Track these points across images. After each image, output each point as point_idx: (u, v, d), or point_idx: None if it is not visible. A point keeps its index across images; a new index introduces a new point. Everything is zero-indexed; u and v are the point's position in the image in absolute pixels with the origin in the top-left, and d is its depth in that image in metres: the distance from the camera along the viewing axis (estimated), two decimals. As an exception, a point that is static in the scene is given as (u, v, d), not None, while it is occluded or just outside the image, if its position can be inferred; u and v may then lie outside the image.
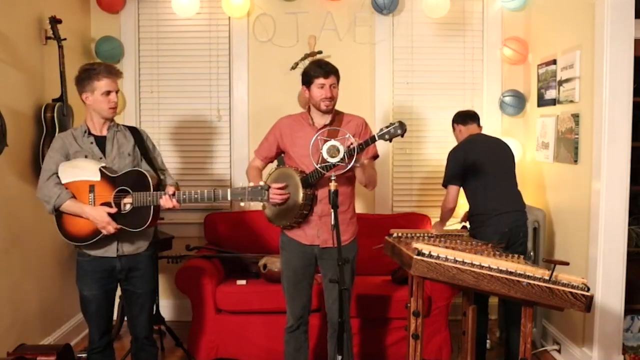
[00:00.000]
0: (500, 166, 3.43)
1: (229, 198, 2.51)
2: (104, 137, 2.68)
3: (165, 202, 2.53)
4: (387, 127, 2.54)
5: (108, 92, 2.59)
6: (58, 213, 2.58)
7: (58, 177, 2.59)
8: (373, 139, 2.55)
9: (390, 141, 2.58)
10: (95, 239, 2.56)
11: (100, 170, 2.56)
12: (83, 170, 2.58)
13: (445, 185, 3.46)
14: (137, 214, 2.56)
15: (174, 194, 2.55)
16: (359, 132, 2.84)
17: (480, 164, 3.37)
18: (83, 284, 2.66)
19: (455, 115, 3.68)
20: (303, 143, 2.82)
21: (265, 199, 2.49)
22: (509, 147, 3.55)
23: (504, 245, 2.99)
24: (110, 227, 2.52)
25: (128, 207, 2.57)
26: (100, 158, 2.64)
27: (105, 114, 2.63)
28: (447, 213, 3.48)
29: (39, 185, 2.60)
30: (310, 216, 2.82)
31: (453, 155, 3.47)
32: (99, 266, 2.64)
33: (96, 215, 2.52)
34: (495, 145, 3.53)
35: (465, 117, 3.62)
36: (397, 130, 2.51)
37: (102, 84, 2.58)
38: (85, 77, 2.59)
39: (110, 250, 2.64)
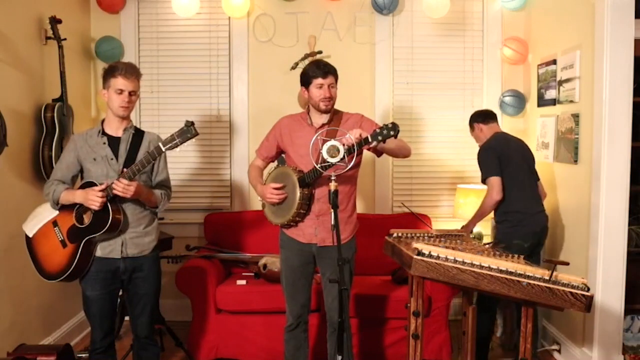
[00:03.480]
0: (528, 166, 3.43)
1: (163, 150, 2.49)
2: (119, 138, 2.69)
3: (117, 186, 2.51)
4: (380, 128, 2.55)
5: (121, 91, 2.61)
6: (31, 248, 2.72)
7: (60, 180, 2.69)
8: (366, 140, 2.56)
9: (384, 142, 2.58)
10: (64, 275, 2.62)
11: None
12: (43, 214, 2.74)
13: (485, 179, 3.36)
14: (98, 218, 2.58)
15: (119, 176, 2.56)
16: (359, 127, 2.84)
17: (513, 161, 3.36)
18: (86, 284, 2.67)
19: (474, 115, 3.64)
20: (302, 143, 2.83)
21: (194, 132, 2.45)
22: (529, 148, 3.56)
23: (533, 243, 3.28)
24: (95, 199, 2.52)
25: (87, 220, 2.60)
26: (112, 159, 2.65)
27: (116, 111, 2.66)
28: (492, 207, 3.36)
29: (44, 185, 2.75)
30: (308, 215, 2.83)
31: (486, 150, 3.41)
32: (102, 267, 2.65)
33: (82, 195, 2.57)
34: (521, 144, 3.54)
35: (486, 116, 3.59)
36: (390, 131, 2.52)
37: (116, 82, 2.62)
38: (107, 73, 2.66)
39: (115, 252, 2.65)
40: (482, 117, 3.59)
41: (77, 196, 2.60)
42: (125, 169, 2.57)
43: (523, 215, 3.32)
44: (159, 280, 2.85)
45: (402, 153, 2.90)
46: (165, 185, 2.81)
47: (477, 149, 4.38)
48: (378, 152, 2.86)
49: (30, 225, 2.75)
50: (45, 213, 2.72)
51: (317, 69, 2.79)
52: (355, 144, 2.54)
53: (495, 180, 3.30)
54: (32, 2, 3.46)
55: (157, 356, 2.89)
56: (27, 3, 3.41)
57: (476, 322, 3.00)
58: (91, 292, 2.66)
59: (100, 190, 2.53)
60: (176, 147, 2.48)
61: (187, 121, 2.47)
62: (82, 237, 2.59)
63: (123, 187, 2.51)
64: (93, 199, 2.53)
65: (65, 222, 2.65)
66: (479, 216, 3.42)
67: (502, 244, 3.22)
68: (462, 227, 3.48)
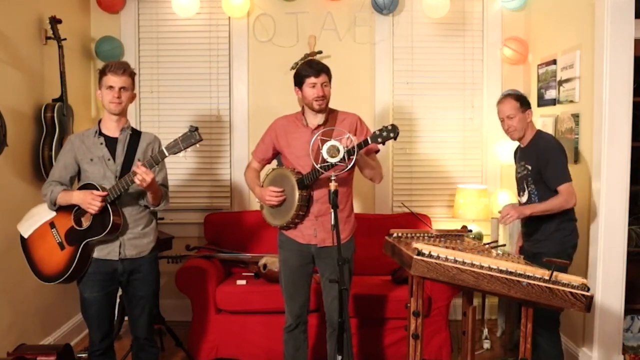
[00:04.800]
0: None
1: (167, 154, 2.49)
2: (116, 139, 2.68)
3: (138, 170, 2.48)
4: (380, 130, 2.56)
5: (111, 87, 2.62)
6: (26, 250, 2.71)
7: (57, 181, 2.67)
8: (366, 142, 2.57)
9: (384, 144, 2.59)
10: (62, 278, 2.61)
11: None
12: (39, 215, 2.71)
13: (562, 183, 2.87)
14: (97, 221, 2.57)
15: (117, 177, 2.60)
16: (354, 129, 2.85)
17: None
18: (84, 285, 2.66)
19: (525, 97, 3.09)
20: (298, 144, 2.83)
21: (198, 138, 2.45)
22: None
23: None
24: (94, 204, 2.51)
25: (86, 223, 2.59)
26: (109, 159, 2.64)
27: (107, 107, 2.66)
28: (558, 211, 2.89)
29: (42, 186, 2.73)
30: (307, 216, 2.83)
31: (560, 152, 2.95)
32: (100, 268, 2.64)
33: (80, 197, 2.56)
34: None
35: None
36: (390, 133, 2.53)
37: (107, 79, 2.63)
38: (100, 73, 2.67)
39: (113, 253, 2.65)
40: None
41: (75, 197, 2.58)
42: (140, 161, 2.53)
43: (573, 224, 2.99)
44: (158, 282, 2.85)
45: (375, 175, 2.89)
46: (164, 185, 2.81)
47: (477, 149, 4.40)
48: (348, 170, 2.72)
49: (26, 225, 2.72)
50: (42, 214, 2.70)
51: (309, 68, 2.79)
52: (355, 146, 2.55)
53: (572, 186, 2.89)
54: (32, 2, 3.46)
55: (156, 357, 2.88)
56: (27, 3, 3.41)
57: (543, 347, 2.81)
58: (89, 293, 2.65)
59: (100, 195, 2.52)
60: (179, 152, 2.47)
61: (192, 126, 2.47)
62: (81, 240, 2.58)
63: (142, 173, 2.47)
64: (92, 203, 2.51)
65: (63, 224, 2.64)
66: (542, 211, 2.90)
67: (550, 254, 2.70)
68: (523, 206, 3.00)
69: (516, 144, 3.18)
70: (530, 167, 2.99)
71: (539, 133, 3.06)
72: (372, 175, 2.89)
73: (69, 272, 2.58)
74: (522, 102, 3.03)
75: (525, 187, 3.05)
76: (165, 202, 2.75)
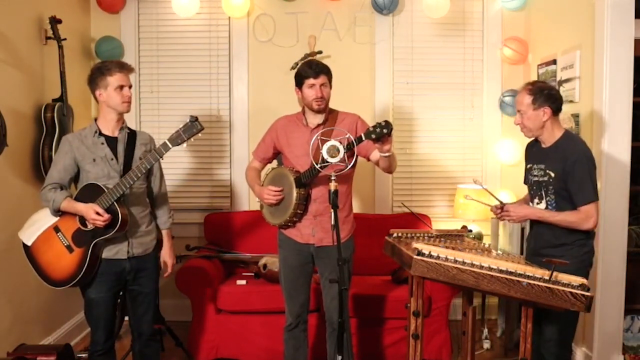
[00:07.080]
0: None
1: (170, 146, 2.48)
2: (116, 138, 2.67)
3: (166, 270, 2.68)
4: (373, 126, 2.55)
5: (121, 87, 2.60)
6: (31, 257, 2.65)
7: (57, 183, 2.62)
8: (360, 139, 2.56)
9: (378, 140, 2.56)
10: (75, 281, 2.58)
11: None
12: (42, 221, 2.66)
13: (586, 202, 2.55)
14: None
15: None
16: (354, 129, 2.85)
17: None
18: (92, 287, 2.64)
19: (551, 95, 2.66)
20: (298, 143, 2.85)
21: (200, 127, 2.45)
22: None
23: None
24: (97, 219, 2.49)
25: (90, 225, 2.56)
26: (112, 159, 2.63)
27: (120, 109, 2.63)
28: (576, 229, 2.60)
29: (41, 190, 2.67)
30: (305, 215, 2.84)
31: (589, 161, 2.60)
32: (109, 269, 2.63)
33: (84, 209, 2.52)
34: None
35: (560, 107, 2.71)
36: (383, 129, 2.52)
37: (115, 79, 2.58)
38: (98, 74, 2.60)
39: (121, 252, 2.65)
40: (559, 104, 2.69)
41: (79, 209, 2.54)
42: (141, 159, 2.52)
43: (592, 241, 2.69)
44: (158, 278, 2.87)
45: (390, 169, 2.80)
46: (165, 200, 2.88)
47: (477, 149, 4.39)
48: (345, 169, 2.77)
49: (28, 233, 2.67)
50: (45, 219, 2.65)
51: (308, 69, 2.79)
52: (354, 141, 2.56)
53: (595, 207, 2.56)
54: (32, 2, 3.46)
55: (158, 352, 2.92)
56: (27, 3, 3.41)
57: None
58: (97, 294, 2.63)
59: (103, 221, 2.49)
60: (183, 142, 2.47)
61: (192, 116, 2.47)
62: (90, 240, 2.56)
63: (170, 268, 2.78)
64: (96, 217, 2.48)
65: (68, 227, 2.61)
66: (552, 222, 2.62)
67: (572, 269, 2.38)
68: (529, 208, 2.74)
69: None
70: (553, 175, 2.64)
71: (567, 135, 2.69)
72: (391, 169, 2.80)
73: (81, 274, 2.56)
74: (538, 97, 2.63)
75: (544, 195, 2.70)
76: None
